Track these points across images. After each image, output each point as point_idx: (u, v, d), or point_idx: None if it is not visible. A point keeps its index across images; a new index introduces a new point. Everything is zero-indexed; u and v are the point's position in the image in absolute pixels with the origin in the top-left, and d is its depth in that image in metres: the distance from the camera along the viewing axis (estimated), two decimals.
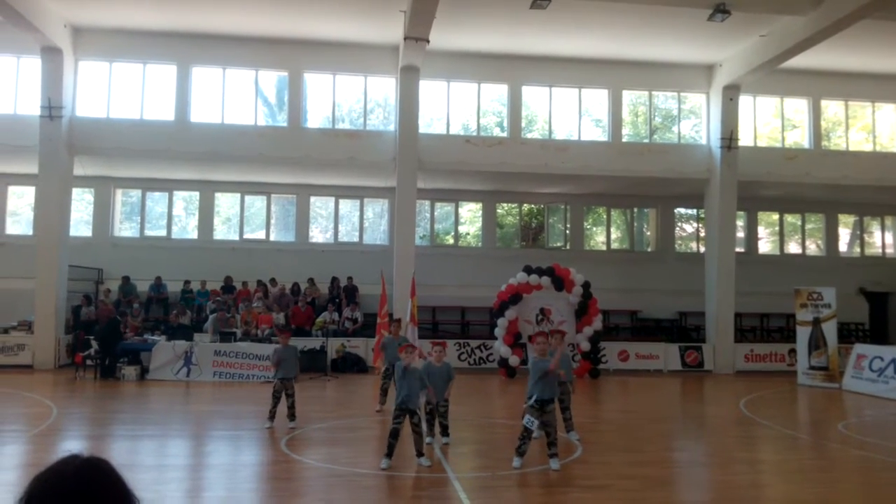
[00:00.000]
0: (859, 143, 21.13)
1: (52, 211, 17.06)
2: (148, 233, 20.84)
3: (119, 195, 21.04)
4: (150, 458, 8.43)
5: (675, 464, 8.94)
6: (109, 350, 15.14)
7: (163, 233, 20.85)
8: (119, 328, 15.68)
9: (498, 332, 17.23)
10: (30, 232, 19.40)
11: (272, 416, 9.98)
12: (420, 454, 7.96)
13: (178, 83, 18.27)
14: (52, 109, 16.89)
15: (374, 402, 11.91)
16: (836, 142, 21.00)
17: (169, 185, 20.67)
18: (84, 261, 18.93)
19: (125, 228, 21.10)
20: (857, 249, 23.63)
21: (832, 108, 21.03)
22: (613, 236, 22.89)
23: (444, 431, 9.07)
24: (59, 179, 17.11)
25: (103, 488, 1.46)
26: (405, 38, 15.98)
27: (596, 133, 20.11)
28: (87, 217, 20.61)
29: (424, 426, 9.08)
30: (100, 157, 18.11)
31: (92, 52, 17.98)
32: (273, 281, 19.28)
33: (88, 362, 15.22)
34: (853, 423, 11.97)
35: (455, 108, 19.63)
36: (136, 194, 21.08)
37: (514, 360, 16.79)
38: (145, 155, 17.94)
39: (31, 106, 17.37)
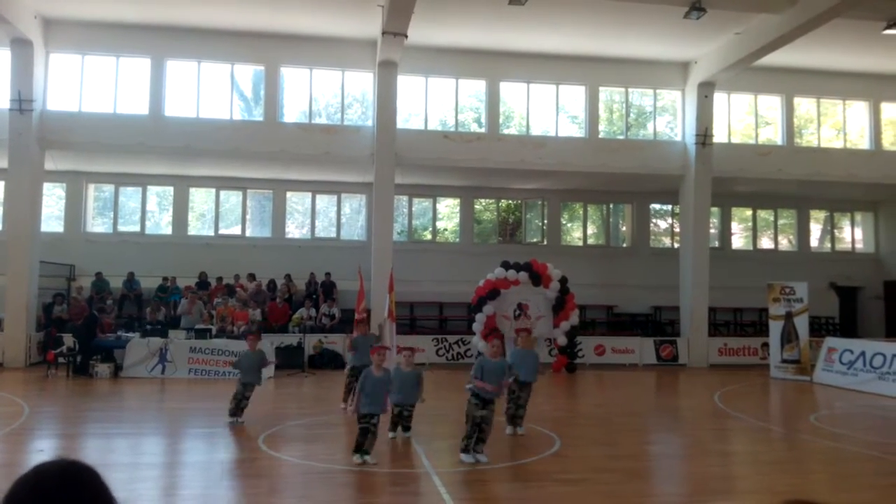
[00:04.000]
0: (830, 139, 21.48)
1: (22, 206, 16.74)
2: (121, 228, 20.51)
3: (91, 190, 20.70)
4: (125, 457, 8.32)
5: (652, 457, 9.05)
6: (87, 347, 14.92)
7: (136, 228, 20.56)
8: (96, 325, 15.41)
9: (476, 327, 17.27)
10: None
11: (232, 413, 9.89)
12: (367, 452, 7.83)
13: (153, 77, 18.00)
14: (22, 102, 16.54)
15: (341, 400, 11.64)
16: (808, 139, 21.33)
17: (142, 180, 20.38)
18: (56, 257, 18.61)
19: (98, 224, 20.77)
20: (828, 244, 24.04)
21: (804, 106, 21.35)
22: (589, 232, 23.04)
23: (405, 429, 9.04)
24: (29, 174, 16.78)
25: (85, 489, 1.44)
26: (383, 33, 15.91)
27: (572, 129, 20.20)
28: (58, 212, 20.25)
29: (389, 424, 9.02)
30: (71, 152, 17.79)
31: (63, 45, 17.64)
32: (251, 276, 19.10)
33: (61, 360, 14.96)
34: (824, 415, 12.21)
35: (433, 103, 19.59)
36: (108, 189, 20.74)
37: None
38: (118, 149, 17.64)
39: (0, 99, 16.99)
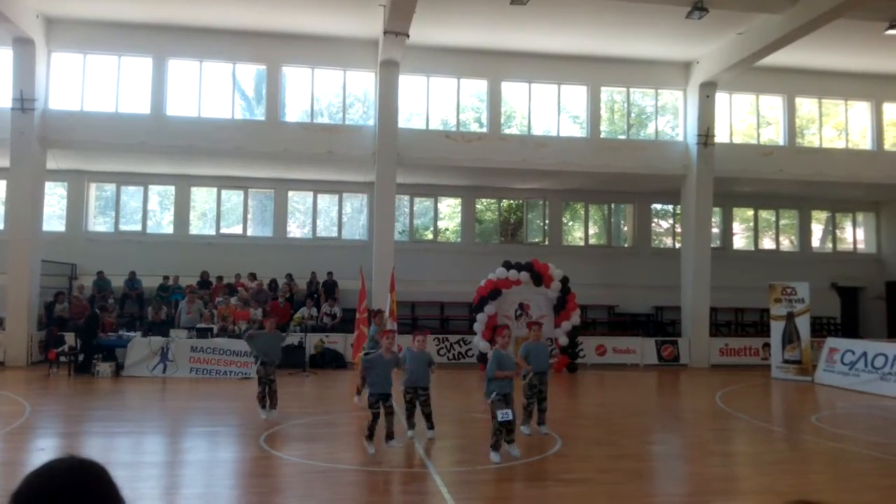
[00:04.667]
0: (832, 140, 21.46)
1: (23, 205, 16.76)
2: (122, 227, 20.54)
3: (93, 189, 20.72)
4: (127, 456, 8.32)
5: (654, 457, 9.03)
6: (89, 346, 14.93)
7: (138, 228, 20.58)
8: (98, 324, 15.43)
9: (477, 327, 17.27)
10: (0, 226, 19.02)
11: (263, 404, 9.99)
12: (390, 436, 8.02)
13: (154, 76, 18.01)
14: (24, 102, 16.56)
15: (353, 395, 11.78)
16: (810, 139, 21.30)
17: (144, 179, 20.40)
18: (57, 256, 18.62)
19: (99, 223, 20.78)
20: (830, 245, 24.03)
21: (806, 106, 21.33)
22: (591, 232, 23.03)
23: (428, 421, 9.04)
24: (31, 173, 16.80)
25: (94, 489, 1.44)
26: (385, 33, 15.90)
27: (574, 129, 20.20)
28: (60, 211, 20.28)
29: (404, 420, 9.11)
30: (73, 151, 17.81)
31: (65, 44, 17.66)
32: (252, 276, 19.10)
33: (62, 359, 14.98)
34: (826, 416, 12.19)
35: (434, 103, 19.59)
36: (110, 188, 20.76)
37: None
38: (120, 149, 17.65)
39: (2, 98, 17.00)
